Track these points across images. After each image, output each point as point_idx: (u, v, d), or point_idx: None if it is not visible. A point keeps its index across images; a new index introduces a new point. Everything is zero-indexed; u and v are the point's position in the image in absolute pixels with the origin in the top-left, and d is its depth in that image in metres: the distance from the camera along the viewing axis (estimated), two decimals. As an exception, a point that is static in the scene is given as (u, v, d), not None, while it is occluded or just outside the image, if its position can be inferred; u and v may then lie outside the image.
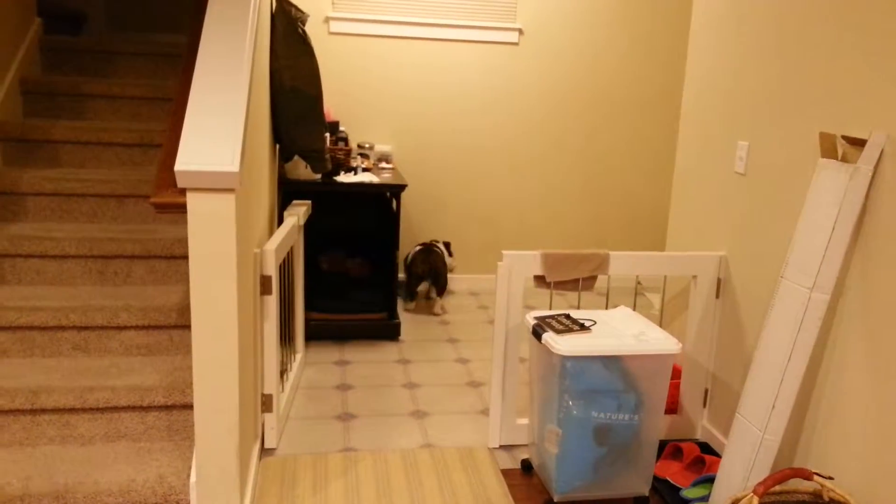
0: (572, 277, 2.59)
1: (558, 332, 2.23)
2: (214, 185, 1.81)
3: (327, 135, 3.86)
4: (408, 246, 4.66)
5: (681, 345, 2.23)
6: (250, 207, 2.30)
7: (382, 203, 3.99)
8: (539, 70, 4.58)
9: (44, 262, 2.52)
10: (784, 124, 2.33)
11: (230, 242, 1.86)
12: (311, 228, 4.08)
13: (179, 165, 1.79)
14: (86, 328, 2.38)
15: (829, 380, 2.10)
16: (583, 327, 2.28)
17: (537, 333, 2.28)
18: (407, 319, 4.10)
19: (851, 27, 2.03)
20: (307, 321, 3.63)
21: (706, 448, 2.72)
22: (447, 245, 4.38)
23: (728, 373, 2.65)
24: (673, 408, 2.81)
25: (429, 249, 4.17)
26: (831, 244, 1.95)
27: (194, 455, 1.97)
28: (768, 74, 2.42)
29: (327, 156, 3.27)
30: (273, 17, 2.95)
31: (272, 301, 2.46)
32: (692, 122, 2.94)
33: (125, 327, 2.39)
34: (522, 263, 2.55)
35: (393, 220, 3.83)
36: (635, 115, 4.75)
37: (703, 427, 2.80)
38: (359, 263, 4.26)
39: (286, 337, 3.37)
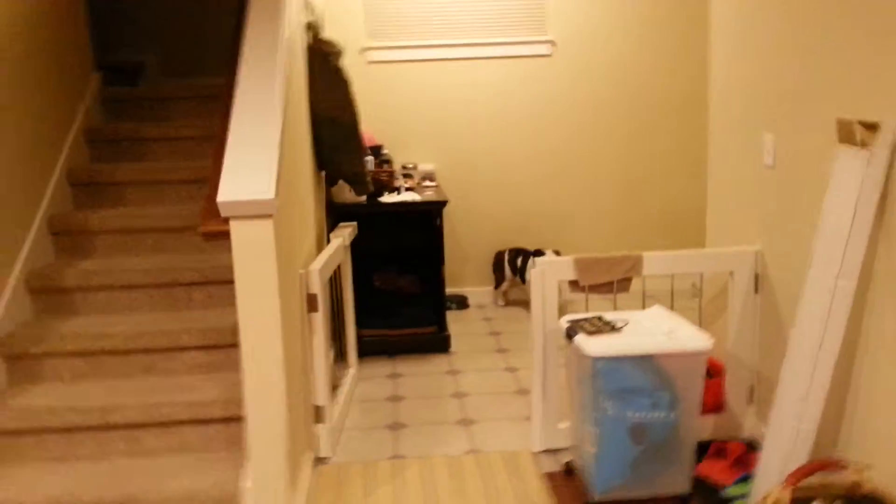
0: (606, 280, 2.64)
1: (589, 333, 2.30)
2: (253, 212, 1.97)
3: (370, 158, 4.04)
4: (452, 260, 4.78)
5: (712, 340, 2.26)
6: (293, 230, 2.46)
7: (429, 220, 4.13)
8: (572, 80, 4.65)
9: (112, 293, 2.75)
10: (806, 114, 2.35)
11: (271, 263, 2.02)
12: (362, 249, 4.25)
13: (221, 196, 1.96)
14: (152, 351, 2.58)
15: (865, 367, 2.09)
16: (614, 328, 2.33)
17: (569, 336, 2.35)
18: (458, 332, 4.21)
19: (866, 13, 2.04)
20: (360, 338, 3.78)
21: (753, 446, 2.71)
22: (557, 253, 4.50)
23: (773, 369, 2.64)
24: (718, 407, 2.81)
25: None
26: (854, 230, 1.96)
27: (248, 462, 2.13)
28: (787, 66, 2.44)
29: (368, 178, 3.44)
30: (309, 54, 3.14)
31: (319, 318, 2.62)
32: (720, 119, 2.96)
33: (187, 348, 2.58)
34: (556, 269, 2.62)
35: (438, 235, 3.95)
36: (672, 118, 4.75)
37: (750, 425, 2.78)
38: (410, 280, 4.41)
39: (339, 352, 3.53)
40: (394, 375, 3.57)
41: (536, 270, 2.61)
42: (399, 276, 4.41)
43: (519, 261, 4.55)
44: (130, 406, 2.38)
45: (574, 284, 2.66)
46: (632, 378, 2.25)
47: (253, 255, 2.00)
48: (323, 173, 3.52)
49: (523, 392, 3.32)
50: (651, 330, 2.33)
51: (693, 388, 2.30)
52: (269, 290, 2.03)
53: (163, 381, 2.55)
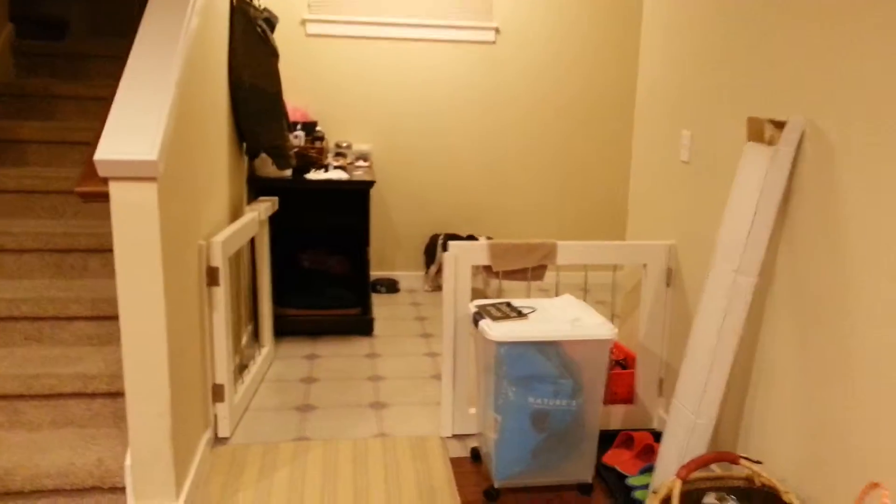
0: (519, 267, 2.60)
1: (495, 318, 2.25)
2: (134, 173, 1.86)
3: (301, 134, 3.92)
4: (384, 243, 4.70)
5: (616, 330, 2.23)
6: (193, 198, 2.35)
7: (358, 201, 4.02)
8: (515, 69, 4.60)
9: (2, 256, 2.58)
10: (721, 112, 2.33)
11: (153, 230, 1.90)
12: (289, 226, 4.13)
13: (99, 154, 1.84)
14: (38, 319, 2.43)
15: (764, 365, 2.09)
16: (520, 314, 2.28)
17: (476, 320, 2.29)
18: (384, 315, 4.13)
19: (781, 15, 2.02)
20: (282, 317, 3.67)
21: (660, 437, 2.70)
22: (490, 238, 4.41)
23: (680, 361, 2.64)
24: (629, 397, 2.80)
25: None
26: (754, 227, 1.94)
27: (129, 439, 2.02)
28: (707, 64, 2.42)
29: (291, 152, 3.32)
30: (231, 15, 3.00)
31: (220, 292, 2.51)
32: (644, 115, 2.94)
33: (75, 318, 2.45)
34: (469, 253, 2.56)
35: (364, 216, 3.86)
36: (609, 114, 4.75)
37: (660, 417, 2.78)
38: (339, 261, 4.31)
39: (254, 331, 3.42)
40: (311, 356, 3.48)
41: (449, 254, 2.55)
42: (328, 256, 4.31)
43: (451, 246, 4.47)
44: (10, 376, 2.23)
45: (488, 270, 2.61)
46: (535, 365, 2.21)
47: (134, 220, 1.89)
48: (245, 145, 3.39)
49: (440, 377, 3.27)
50: (557, 317, 2.29)
51: (597, 377, 2.27)
52: (151, 259, 1.91)
53: (48, 351, 2.41)
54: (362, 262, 3.88)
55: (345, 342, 3.70)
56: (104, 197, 1.89)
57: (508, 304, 2.39)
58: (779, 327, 2.01)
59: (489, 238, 4.37)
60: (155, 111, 1.95)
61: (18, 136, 3.01)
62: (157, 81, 2.03)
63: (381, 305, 4.34)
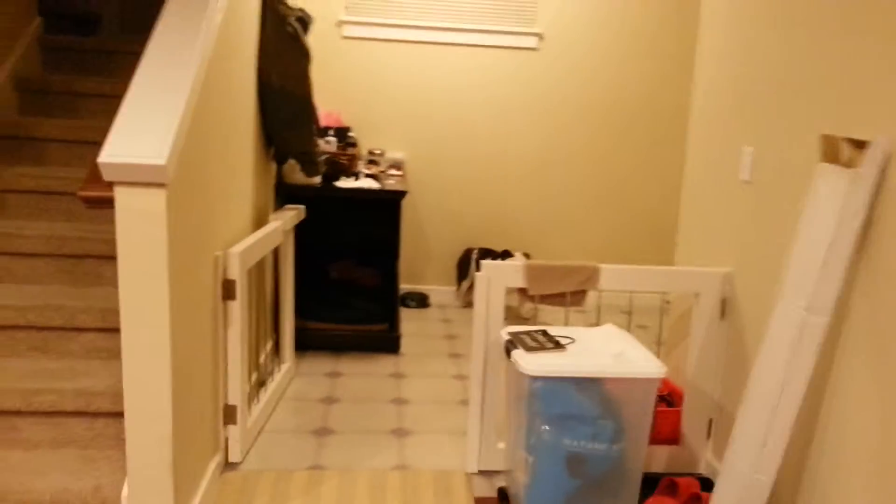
0: (557, 291, 2.39)
1: (529, 349, 2.04)
2: (142, 178, 1.70)
3: (333, 140, 3.77)
4: (416, 255, 4.52)
5: (665, 368, 2.01)
6: (210, 207, 2.19)
7: (388, 211, 3.85)
8: (558, 77, 4.39)
9: (11, 259, 2.47)
10: (790, 127, 2.09)
11: (160, 240, 1.74)
12: (317, 236, 3.98)
13: (104, 157, 1.69)
14: (44, 328, 2.30)
15: (833, 415, 1.84)
16: (557, 345, 2.07)
17: (508, 350, 2.09)
18: (412, 331, 3.95)
19: (857, 27, 1.79)
20: (305, 331, 3.51)
21: (708, 484, 2.46)
22: (526, 256, 4.22)
23: (735, 402, 2.40)
24: (674, 438, 2.56)
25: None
26: (829, 259, 1.70)
27: (128, 467, 1.86)
28: (773, 75, 2.18)
29: (320, 159, 3.16)
30: (262, 13, 2.86)
31: (236, 307, 2.35)
32: (700, 129, 2.71)
33: (84, 329, 2.31)
34: (504, 275, 2.36)
35: (395, 228, 3.68)
36: (657, 126, 4.50)
37: (707, 461, 2.54)
38: (368, 273, 4.14)
39: (275, 346, 3.26)
40: (334, 374, 3.31)
41: (482, 275, 2.35)
42: (357, 267, 4.15)
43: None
44: (10, 390, 2.10)
45: (523, 293, 2.40)
46: (573, 403, 1.99)
47: (140, 228, 1.73)
48: (272, 150, 3.25)
49: (468, 403, 3.06)
50: (599, 350, 2.07)
51: (641, 419, 2.04)
52: (157, 271, 1.76)
53: (53, 363, 2.28)
54: (392, 276, 3.71)
55: (369, 360, 3.52)
56: (109, 203, 1.74)
57: (545, 333, 2.18)
58: (853, 376, 1.76)
59: (526, 255, 4.17)
60: (167, 112, 1.79)
61: (40, 133, 2.91)
62: (172, 80, 1.88)
63: (409, 321, 4.16)
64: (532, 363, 1.96)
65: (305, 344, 3.54)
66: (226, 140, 2.38)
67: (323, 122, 4.01)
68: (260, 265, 2.93)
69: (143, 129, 1.76)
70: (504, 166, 4.48)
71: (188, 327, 1.99)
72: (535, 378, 1.96)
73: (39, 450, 2.12)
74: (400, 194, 3.53)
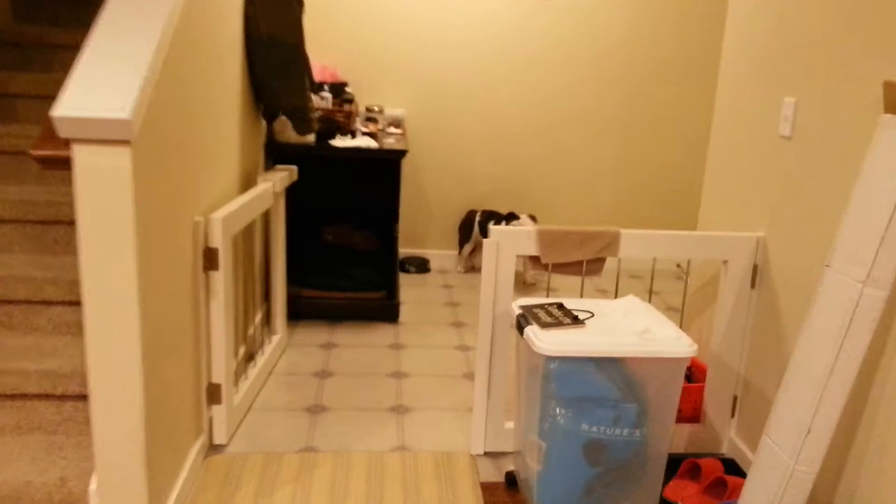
0: (573, 259, 2.17)
1: (545, 325, 1.83)
2: (103, 135, 1.47)
3: (328, 96, 3.51)
4: (416, 218, 4.30)
5: (696, 346, 1.80)
6: (188, 167, 1.96)
7: (387, 171, 3.62)
8: (572, 26, 4.11)
9: (-28, 227, 2.25)
10: (840, 74, 1.85)
11: (125, 206, 1.52)
12: (311, 198, 3.75)
13: (59, 110, 1.45)
14: (9, 302, 2.09)
15: (885, 401, 1.64)
16: (576, 320, 1.87)
17: (520, 325, 1.88)
18: (412, 298, 3.75)
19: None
20: (297, 298, 3.31)
21: (732, 466, 2.28)
22: (533, 218, 3.97)
23: (763, 378, 2.20)
24: (696, 416, 2.38)
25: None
26: (893, 225, 1.48)
27: (95, 459, 1.67)
28: (823, 13, 1.93)
29: (313, 115, 2.92)
30: (246, -47, 2.59)
31: (220, 278, 2.13)
32: (732, 78, 2.46)
33: (52, 302, 2.10)
34: (514, 241, 2.15)
35: (394, 189, 3.45)
36: (679, 76, 4.23)
37: (731, 440, 2.36)
38: (366, 236, 3.93)
39: (266, 316, 3.06)
40: (328, 345, 3.11)
41: (490, 241, 2.13)
42: (354, 231, 3.93)
43: (490, 225, 4.06)
44: (-31, 369, 1.90)
45: (536, 261, 2.18)
46: (592, 385, 1.79)
47: (102, 191, 1.51)
48: (262, 105, 2.99)
49: (473, 377, 2.87)
50: (622, 326, 1.87)
51: (668, 402, 1.85)
52: (122, 240, 1.54)
53: (19, 340, 2.07)
54: (391, 240, 3.49)
55: (367, 329, 3.32)
56: (66, 163, 1.52)
57: (560, 306, 1.97)
58: (914, 357, 1.56)
59: (532, 217, 3.94)
60: (133, 61, 1.55)
61: (9, 89, 2.66)
62: (139, 26, 1.63)
63: (409, 287, 3.95)
64: (548, 341, 1.75)
65: (299, 313, 3.34)
66: (207, 94, 2.14)
67: (317, 76, 3.75)
68: (248, 230, 2.71)
69: (104, 81, 1.52)
70: (511, 123, 4.23)
71: (163, 301, 1.78)
72: (552, 358, 1.75)
73: (3, 436, 1.93)
74: (399, 154, 3.29)
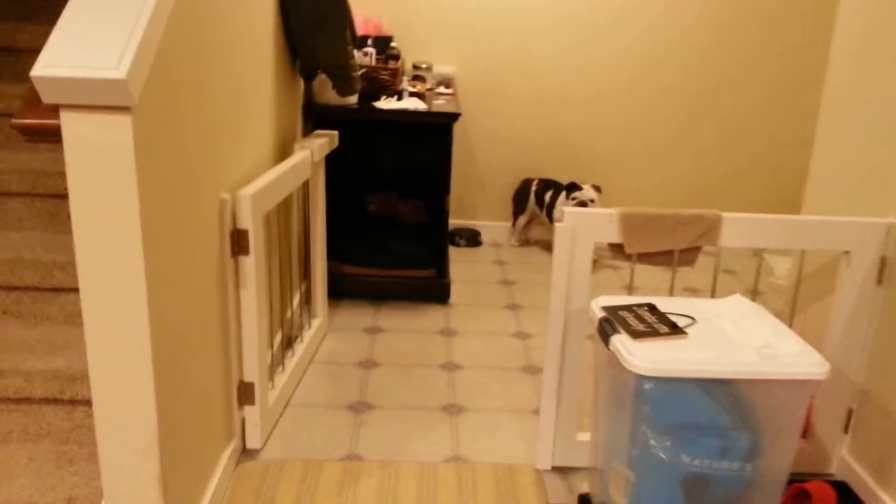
0: (664, 248, 1.82)
1: (637, 334, 1.50)
2: (97, 100, 1.17)
3: (371, 51, 3.17)
4: (466, 187, 3.96)
5: (828, 365, 1.45)
6: (209, 135, 1.66)
7: (437, 136, 3.28)
8: (642, -28, 3.66)
9: (-22, 201, 2.00)
10: None
11: (127, 184, 1.23)
12: (354, 165, 3.44)
13: (39, 69, 1.16)
14: (16, 288, 1.85)
15: None
16: (675, 329, 1.53)
17: (605, 333, 1.55)
18: (462, 276, 3.44)
19: None
20: (339, 276, 3.04)
21: (844, 491, 1.95)
22: (597, 189, 3.60)
23: (885, 390, 1.85)
24: (803, 430, 2.03)
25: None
26: None
27: (102, 480, 1.41)
28: None
29: (356, 74, 2.59)
30: None
31: (251, 263, 1.85)
32: (852, 28, 2.04)
33: (63, 289, 1.85)
34: (592, 226, 1.81)
35: (446, 157, 3.11)
36: (765, 28, 3.76)
37: (842, 460, 2.01)
38: (413, 206, 3.62)
39: (306, 294, 2.79)
40: (373, 330, 2.84)
41: (563, 227, 1.79)
42: (399, 200, 3.62)
43: (548, 196, 3.72)
44: (-31, 368, 1.67)
45: (617, 249, 1.84)
46: (696, 410, 1.47)
47: (97, 169, 1.22)
48: (298, 63, 2.68)
49: (533, 370, 2.57)
50: (733, 337, 1.52)
51: (788, 431, 1.51)
52: (124, 225, 1.26)
53: (28, 332, 1.83)
54: (440, 212, 3.17)
55: (414, 311, 3.03)
56: (54, 133, 1.23)
57: (653, 309, 1.63)
58: None
59: (596, 188, 3.57)
60: (130, 7, 1.24)
61: (16, 43, 2.39)
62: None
63: (458, 262, 3.65)
64: (643, 357, 1.42)
65: (341, 291, 3.07)
66: (232, 48, 1.83)
67: (359, 29, 3.40)
68: (284, 204, 2.42)
69: (96, 30, 1.22)
70: (571, 84, 3.83)
71: (183, 293, 1.50)
72: (647, 378, 1.43)
73: (10, 444, 1.70)
74: (452, 117, 2.95)
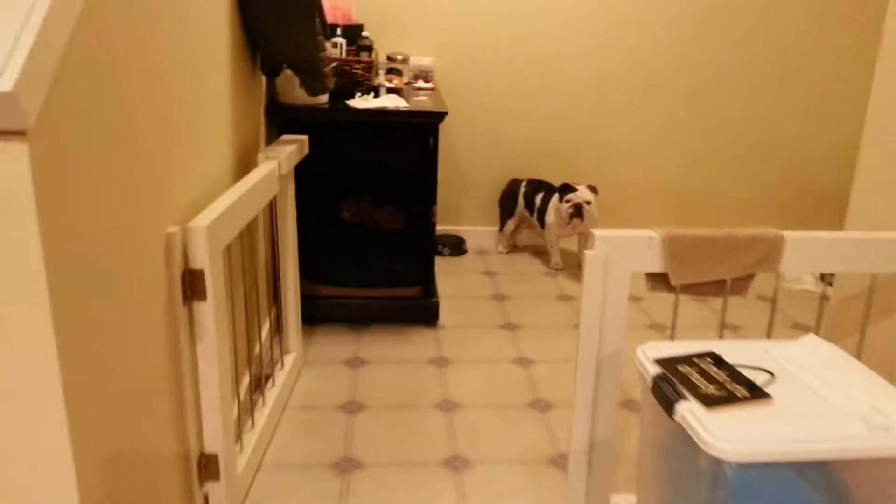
0: (716, 277, 1.51)
1: (710, 401, 1.18)
2: (-34, 121, 0.80)
3: (341, 41, 2.81)
4: (448, 189, 3.63)
5: (953, 435, 1.15)
6: (148, 159, 1.29)
7: (425, 139, 2.93)
8: (636, -49, 3.35)
9: None
10: None
11: (25, 233, 0.87)
12: (325, 170, 3.07)
13: None
14: None
15: None
16: (754, 391, 1.21)
17: (667, 398, 1.23)
18: (449, 291, 3.11)
19: None
20: (313, 298, 2.68)
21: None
22: (593, 190, 3.28)
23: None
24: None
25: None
26: None
27: None
28: None
29: (329, 68, 2.22)
30: None
31: (209, 309, 1.48)
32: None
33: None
34: (629, 252, 1.48)
35: (431, 160, 2.77)
36: (762, 24, 3.49)
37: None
38: (391, 213, 3.27)
39: (275, 326, 2.43)
40: (355, 362, 2.49)
41: (595, 255, 1.47)
42: (377, 208, 3.27)
43: (539, 198, 3.40)
44: None
45: (658, 280, 1.53)
46: (786, 496, 1.16)
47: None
48: (259, 59, 2.30)
49: (542, 406, 2.25)
50: (826, 398, 1.21)
51: (893, 514, 1.21)
52: (25, 284, 0.89)
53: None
54: (424, 222, 2.83)
55: (400, 335, 2.69)
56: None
57: (717, 361, 1.31)
58: None
59: (592, 189, 3.26)
60: (21, 4, 0.87)
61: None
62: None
63: (443, 274, 3.31)
64: (725, 436, 1.10)
65: (316, 315, 2.71)
66: (174, 46, 1.45)
67: (328, 17, 3.02)
68: (250, 228, 2.05)
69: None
70: (562, 72, 3.51)
71: (117, 355, 1.14)
72: (734, 465, 1.11)
73: None
74: (438, 116, 2.59)
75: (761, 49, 3.52)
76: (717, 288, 1.54)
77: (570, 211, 3.22)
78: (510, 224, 3.56)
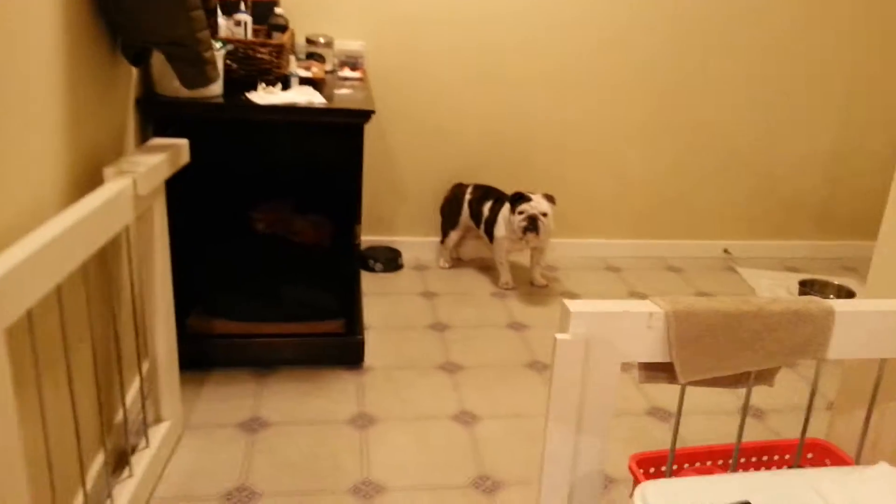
0: (741, 370, 1.06)
1: None
2: None
3: (246, 19, 2.26)
4: (380, 196, 3.13)
5: None
6: None
7: (349, 141, 2.39)
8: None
9: None
10: None
11: None
12: (231, 173, 2.52)
13: None
14: None
15: None
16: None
17: None
18: (379, 319, 2.61)
19: None
20: (210, 338, 2.15)
21: None
22: (550, 199, 2.80)
23: None
24: None
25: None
26: None
27: None
28: None
29: (208, 53, 1.67)
30: None
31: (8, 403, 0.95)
32: None
33: None
34: (619, 334, 1.01)
35: (356, 162, 2.24)
36: (740, 25, 3.09)
37: None
38: (313, 224, 2.74)
39: (144, 386, 1.89)
40: (252, 425, 1.97)
41: (568, 339, 0.99)
42: (296, 216, 2.74)
43: (486, 207, 2.93)
44: None
45: (659, 370, 1.06)
46: None
47: None
48: (119, 40, 1.73)
49: (491, 486, 1.78)
50: None
51: None
52: None
53: None
54: (349, 244, 2.32)
55: (315, 383, 2.19)
56: None
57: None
58: None
59: (549, 198, 2.80)
60: None
61: None
62: None
63: (373, 296, 2.81)
64: None
65: (209, 359, 2.18)
66: None
67: (229, -11, 2.46)
68: (83, 270, 1.50)
69: None
70: (516, 66, 3.03)
71: None
72: None
73: None
74: (362, 116, 2.07)
75: (735, 53, 3.13)
76: (735, 379, 1.09)
77: (524, 224, 2.76)
78: (453, 236, 3.08)
